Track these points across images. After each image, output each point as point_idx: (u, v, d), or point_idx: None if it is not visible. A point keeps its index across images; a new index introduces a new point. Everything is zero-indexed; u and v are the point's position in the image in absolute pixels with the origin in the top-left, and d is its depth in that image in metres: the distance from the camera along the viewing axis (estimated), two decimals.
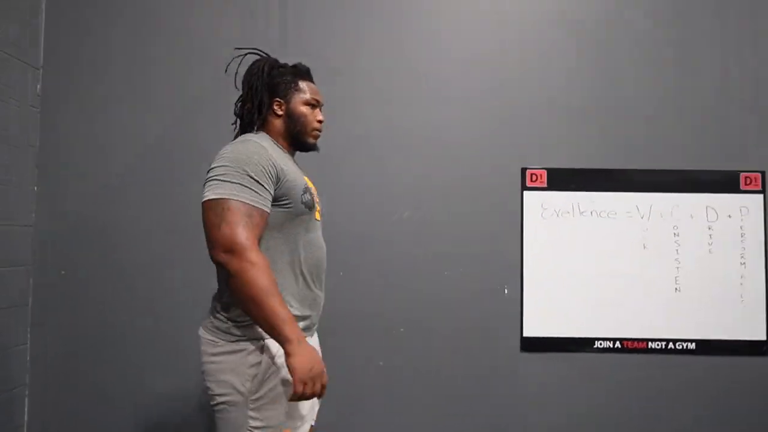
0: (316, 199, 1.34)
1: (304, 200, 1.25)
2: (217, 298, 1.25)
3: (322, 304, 1.33)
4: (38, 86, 2.00)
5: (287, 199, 1.23)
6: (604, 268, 1.96)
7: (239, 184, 1.15)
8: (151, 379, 1.96)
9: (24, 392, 1.96)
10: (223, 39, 2.01)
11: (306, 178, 1.34)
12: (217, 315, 1.22)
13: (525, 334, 1.96)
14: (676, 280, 1.96)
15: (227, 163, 1.17)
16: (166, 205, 1.99)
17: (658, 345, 1.95)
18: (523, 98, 2.01)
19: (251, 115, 1.34)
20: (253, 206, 1.15)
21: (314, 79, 1.41)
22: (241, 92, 1.38)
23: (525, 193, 1.99)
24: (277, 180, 1.21)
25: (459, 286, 1.98)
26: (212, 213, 1.14)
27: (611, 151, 2.00)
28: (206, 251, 1.15)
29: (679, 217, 1.97)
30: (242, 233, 1.12)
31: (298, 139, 1.36)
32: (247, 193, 1.15)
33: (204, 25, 2.03)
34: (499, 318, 1.97)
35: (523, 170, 2.00)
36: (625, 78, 2.02)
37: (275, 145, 1.32)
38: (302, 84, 1.37)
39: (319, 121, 1.39)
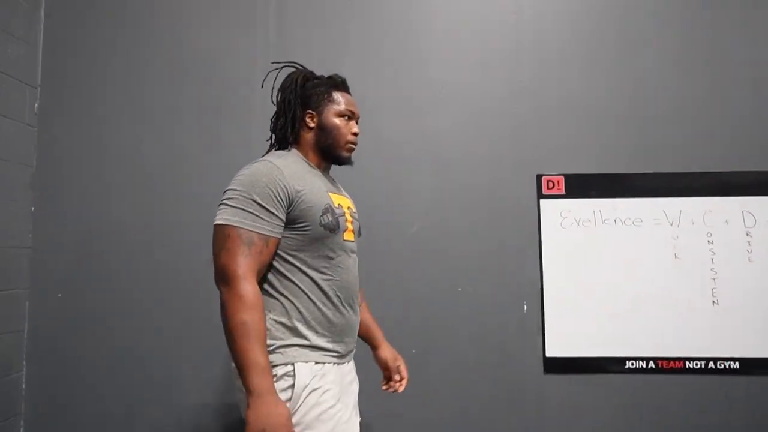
0: (348, 219, 1.27)
1: (323, 222, 1.18)
2: None
3: (356, 329, 1.26)
4: (36, 105, 1.96)
5: (304, 222, 1.17)
6: (632, 280, 1.81)
7: (243, 209, 1.11)
8: (151, 407, 1.85)
9: (19, 422, 1.87)
10: (222, 53, 1.96)
11: (336, 195, 1.27)
12: None
13: (548, 354, 1.80)
14: (713, 293, 1.79)
15: (236, 187, 1.15)
16: (168, 226, 1.91)
17: (696, 364, 1.77)
18: (538, 101, 1.90)
19: (284, 129, 1.30)
20: (256, 233, 1.11)
21: None
22: (276, 108, 1.34)
23: (542, 201, 1.86)
24: (290, 203, 1.16)
25: (474, 303, 1.84)
26: (216, 239, 1.12)
27: (633, 154, 1.86)
28: (207, 273, 1.13)
29: (712, 224, 1.81)
30: (238, 262, 1.08)
31: (330, 153, 1.29)
32: (251, 220, 1.11)
33: (201, 40, 1.97)
34: (518, 337, 1.82)
35: (539, 177, 1.87)
36: (646, 76, 1.89)
37: (301, 161, 1.27)
38: (336, 94, 1.32)
39: (354, 134, 1.32)
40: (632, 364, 1.78)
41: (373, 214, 1.87)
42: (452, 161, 1.90)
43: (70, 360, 1.88)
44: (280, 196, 1.14)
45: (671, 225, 1.82)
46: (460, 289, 1.85)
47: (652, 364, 1.78)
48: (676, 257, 1.81)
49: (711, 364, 1.76)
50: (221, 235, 1.11)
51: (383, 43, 1.95)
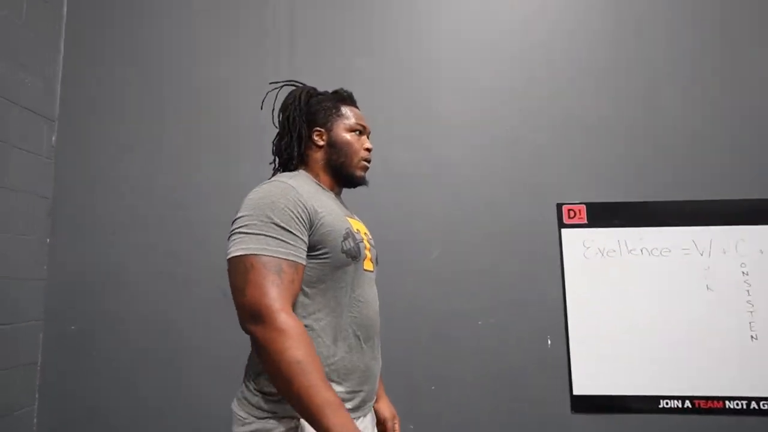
0: (367, 246, 1.13)
1: (345, 248, 1.04)
2: (249, 365, 1.05)
3: (378, 373, 1.10)
4: (53, 138, 1.98)
5: (323, 248, 1.02)
6: (663, 313, 1.71)
7: (264, 235, 0.96)
8: None
9: None
10: (234, 86, 1.97)
11: (353, 220, 1.14)
12: (248, 385, 1.02)
13: (575, 392, 1.70)
14: (750, 327, 1.68)
15: (249, 211, 1.00)
16: (184, 258, 1.89)
17: (736, 404, 1.65)
18: (556, 128, 1.85)
19: (290, 149, 1.18)
20: (284, 259, 0.96)
21: None
22: (278, 129, 1.23)
23: (563, 230, 1.79)
24: (311, 224, 1.02)
25: (496, 337, 1.76)
26: (236, 273, 0.96)
27: (658, 182, 1.79)
28: (225, 307, 1.01)
29: (746, 253, 1.72)
30: (270, 295, 0.92)
31: (343, 172, 1.17)
32: (275, 245, 0.96)
33: (214, 74, 1.99)
34: (543, 374, 1.73)
35: (559, 206, 1.81)
36: (671, 100, 1.84)
37: (313, 182, 1.14)
38: (345, 109, 1.22)
39: (367, 149, 1.21)
40: (667, 403, 1.67)
41: (389, 244, 1.82)
42: (469, 190, 1.85)
43: (82, 394, 1.83)
44: (300, 215, 1.00)
45: (702, 255, 1.74)
46: (480, 323, 1.77)
47: (688, 403, 1.66)
48: (708, 288, 1.72)
49: (753, 404, 1.64)
50: (242, 268, 0.95)
51: (395, 72, 1.94)
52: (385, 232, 1.82)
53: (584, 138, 1.84)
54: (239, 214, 1.02)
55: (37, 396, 1.86)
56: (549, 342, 1.74)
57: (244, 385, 1.03)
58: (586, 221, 1.79)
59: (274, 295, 0.92)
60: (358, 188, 1.21)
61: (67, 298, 1.90)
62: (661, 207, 1.77)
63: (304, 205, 1.02)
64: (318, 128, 1.19)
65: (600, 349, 1.71)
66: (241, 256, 0.95)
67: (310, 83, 1.91)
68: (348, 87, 1.92)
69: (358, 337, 1.04)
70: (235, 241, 0.98)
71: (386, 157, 1.85)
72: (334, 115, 1.20)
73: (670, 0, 1.89)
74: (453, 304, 1.79)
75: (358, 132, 1.21)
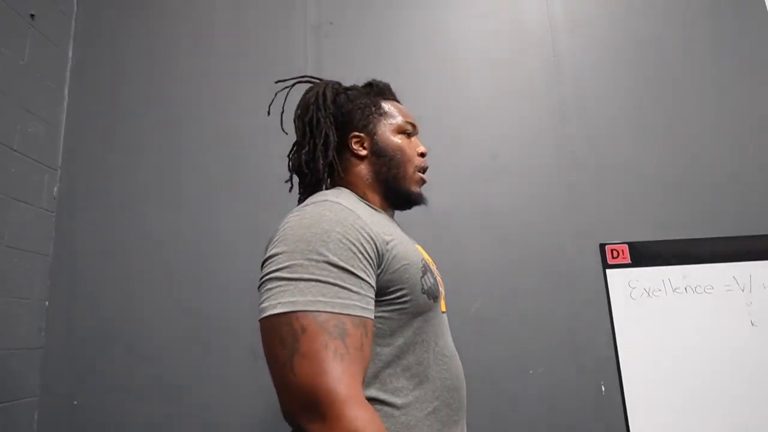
0: (439, 281, 0.87)
1: (425, 287, 0.78)
2: None
3: None
4: (55, 188, 1.80)
5: (400, 289, 0.75)
6: (711, 352, 1.69)
7: (316, 280, 0.67)
8: None
9: None
10: (252, 130, 1.86)
11: (420, 248, 0.90)
12: None
13: None
14: None
15: (292, 246, 0.70)
16: (196, 321, 1.72)
17: None
18: (593, 167, 1.85)
19: (315, 162, 0.89)
20: (348, 315, 0.67)
21: None
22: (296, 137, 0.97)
23: (608, 271, 1.77)
24: (380, 260, 0.74)
25: (547, 386, 1.68)
26: (276, 339, 0.67)
27: (695, 219, 1.81)
28: (258, 371, 0.68)
29: None
30: (332, 374, 0.64)
31: (396, 189, 0.90)
32: (334, 295, 0.67)
33: (231, 118, 1.88)
34: (599, 423, 1.66)
35: (602, 246, 1.79)
36: (707, 139, 1.88)
37: (363, 202, 0.86)
38: (386, 105, 0.96)
39: (422, 155, 0.96)
40: None
41: None
42: (509, 234, 1.81)
43: None
44: (367, 251, 0.72)
45: (743, 291, 1.74)
46: (531, 372, 1.70)
47: None
48: (752, 324, 1.72)
49: None
50: (287, 332, 0.66)
51: (426, 113, 1.90)
52: None
53: (619, 180, 1.84)
54: (275, 251, 0.72)
55: None
56: (603, 389, 1.68)
57: None
58: (629, 261, 1.77)
59: (338, 375, 0.63)
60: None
61: (66, 370, 1.69)
62: (701, 244, 1.78)
63: (369, 234, 0.73)
64: (356, 133, 0.92)
65: (654, 393, 1.67)
66: (283, 314, 0.66)
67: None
68: None
69: (450, 406, 0.78)
70: (273, 292, 0.68)
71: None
72: (375, 114, 0.94)
73: (696, 42, 1.96)
74: (501, 352, 1.71)
75: (407, 133, 0.95)
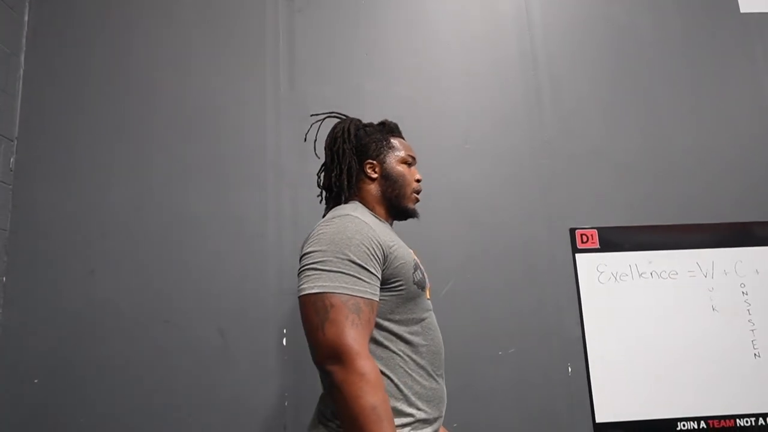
0: (426, 276, 1.16)
1: (416, 279, 1.07)
2: (326, 402, 1.04)
3: (445, 400, 1.12)
4: (12, 159, 1.71)
5: (398, 281, 1.04)
6: (675, 335, 1.75)
7: (341, 272, 0.97)
8: None
9: None
10: (229, 107, 1.81)
11: (412, 252, 1.16)
12: (329, 424, 1.01)
13: (598, 420, 1.68)
14: (753, 345, 1.75)
15: (324, 247, 0.99)
16: (160, 299, 1.67)
17: (746, 422, 1.70)
18: (566, 153, 1.86)
19: (341, 182, 1.18)
20: (362, 298, 0.96)
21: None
22: (326, 161, 1.23)
23: (577, 255, 1.79)
24: (384, 260, 1.03)
25: (516, 367, 1.71)
26: (312, 311, 0.95)
27: (662, 206, 1.85)
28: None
29: (744, 274, 1.81)
30: (350, 335, 0.92)
31: (396, 205, 1.20)
32: (353, 283, 0.97)
33: (206, 93, 1.82)
34: (565, 403, 1.69)
35: (572, 231, 1.81)
36: (674, 129, 1.91)
37: (373, 215, 1.16)
38: (394, 141, 1.25)
39: (418, 180, 1.25)
40: (684, 425, 1.69)
41: None
42: (481, 216, 1.81)
43: None
44: (375, 253, 1.01)
45: (705, 277, 1.80)
46: (500, 353, 1.72)
47: (703, 424, 1.70)
48: (713, 309, 1.78)
49: (761, 421, 1.70)
50: (321, 306, 0.94)
51: (400, 93, 1.88)
52: None
53: (595, 165, 1.86)
54: (312, 249, 1.01)
55: None
56: (570, 369, 1.72)
57: (320, 423, 1.02)
58: (598, 246, 1.80)
59: (355, 336, 0.92)
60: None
61: (25, 350, 1.62)
62: (667, 231, 1.82)
63: (378, 241, 1.03)
64: (370, 161, 1.21)
65: (618, 374, 1.71)
66: (318, 293, 0.95)
67: (312, 104, 1.82)
68: (355, 108, 1.84)
69: (432, 363, 1.07)
70: (311, 278, 0.97)
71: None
72: (385, 148, 1.22)
73: (670, 33, 1.98)
74: (472, 333, 1.72)
75: (408, 164, 1.24)
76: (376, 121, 1.84)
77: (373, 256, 1.00)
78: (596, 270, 1.78)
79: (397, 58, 1.90)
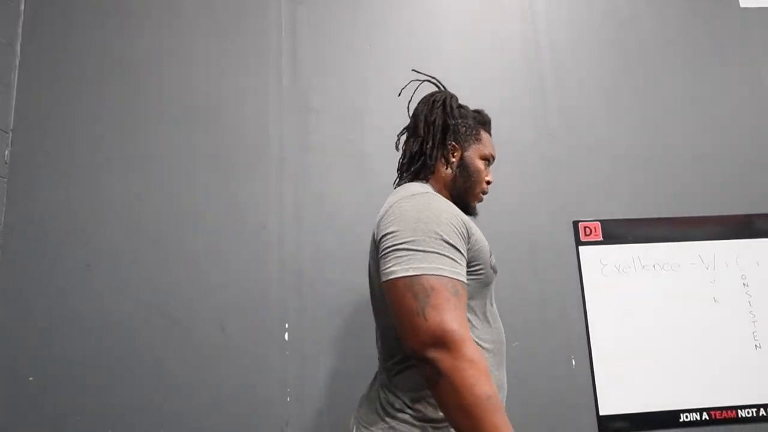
0: None
1: (492, 264, 1.02)
2: (391, 392, 0.95)
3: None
4: (7, 152, 1.67)
5: (478, 264, 0.98)
6: (677, 327, 1.75)
7: (436, 252, 0.89)
8: None
9: None
10: (230, 100, 1.78)
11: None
12: (398, 415, 0.92)
13: (602, 413, 1.68)
14: (754, 336, 1.76)
15: (412, 225, 0.91)
16: (162, 289, 1.65)
17: (748, 413, 1.71)
18: (569, 145, 1.86)
19: (431, 154, 1.10)
20: (457, 280, 0.89)
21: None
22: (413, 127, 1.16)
23: (580, 248, 1.79)
24: (468, 240, 0.96)
25: (518, 360, 1.70)
26: (409, 295, 0.86)
27: (668, 199, 1.85)
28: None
29: (745, 265, 1.81)
30: (456, 320, 0.85)
31: (463, 198, 1.13)
32: (449, 265, 0.89)
33: (208, 86, 1.79)
34: (569, 395, 1.69)
35: (576, 223, 1.81)
36: (676, 122, 1.91)
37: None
38: (483, 134, 1.18)
39: (488, 182, 1.19)
40: (686, 416, 1.69)
41: None
42: (484, 208, 1.80)
43: None
44: (462, 232, 0.95)
45: (707, 269, 1.80)
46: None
47: (705, 415, 1.70)
48: (715, 301, 1.78)
49: (762, 411, 1.71)
50: (420, 290, 0.86)
51: (401, 84, 1.86)
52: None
53: (594, 158, 1.86)
54: (397, 227, 0.92)
55: None
56: (573, 362, 1.71)
57: (384, 416, 0.94)
58: (601, 238, 1.80)
59: (460, 321, 0.85)
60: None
61: (21, 345, 1.59)
62: (669, 223, 1.83)
63: (462, 220, 0.96)
64: (455, 144, 1.13)
65: (621, 366, 1.71)
66: (415, 276, 0.87)
67: (315, 97, 1.80)
68: (358, 100, 1.83)
69: (501, 353, 1.04)
70: (403, 259, 0.88)
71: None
72: (473, 137, 1.16)
73: (671, 25, 1.98)
74: None
75: (487, 162, 1.18)
76: (380, 118, 1.83)
77: (460, 235, 0.93)
78: (599, 262, 1.78)
79: (400, 49, 1.89)
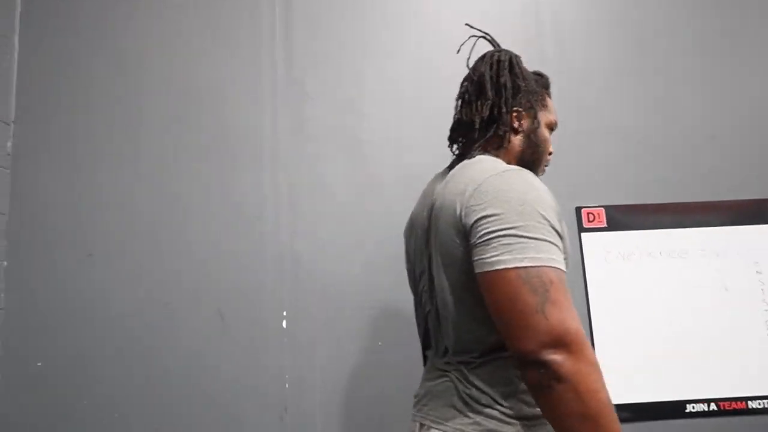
0: None
1: (569, 252, 0.90)
2: (475, 386, 0.86)
3: None
4: (9, 144, 1.70)
5: (564, 255, 0.85)
6: (685, 316, 1.69)
7: (547, 241, 0.79)
8: None
9: None
10: (224, 89, 1.77)
11: None
12: (487, 410, 0.84)
13: None
14: (767, 325, 1.69)
15: (517, 209, 0.80)
16: (162, 278, 1.66)
17: (759, 404, 1.65)
18: (572, 129, 1.80)
19: (502, 119, 0.97)
20: (564, 272, 0.80)
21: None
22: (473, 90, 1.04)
23: (583, 234, 1.74)
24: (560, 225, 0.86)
25: None
26: (525, 288, 0.76)
27: (672, 183, 1.78)
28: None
29: (757, 252, 1.74)
30: (574, 319, 0.77)
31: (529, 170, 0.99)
32: (558, 255, 0.80)
33: (201, 75, 1.78)
34: None
35: (578, 209, 1.76)
36: (686, 103, 1.83)
37: None
38: (548, 101, 1.07)
39: (550, 153, 1.08)
40: (693, 407, 1.65)
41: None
42: None
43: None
44: (560, 217, 0.85)
45: (717, 256, 1.74)
46: None
47: (713, 406, 1.65)
48: (726, 290, 1.72)
49: None
50: (538, 284, 0.76)
51: (401, 73, 1.82)
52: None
53: (601, 140, 1.80)
54: (499, 210, 0.80)
55: None
56: None
57: (472, 412, 0.84)
58: (605, 225, 1.74)
59: (576, 319, 0.77)
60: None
61: (28, 331, 1.63)
62: (676, 209, 1.76)
63: (556, 202, 0.86)
64: (519, 109, 0.99)
65: (626, 355, 1.67)
66: (532, 267, 0.76)
67: (310, 85, 1.78)
68: (355, 88, 1.80)
69: None
70: (515, 247, 0.77)
71: (401, 162, 1.73)
72: (540, 103, 1.03)
73: (686, 3, 1.89)
74: None
75: (551, 130, 1.08)
76: (375, 106, 1.80)
77: (559, 221, 0.83)
78: (603, 250, 1.73)
79: (396, 35, 1.84)
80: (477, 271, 0.82)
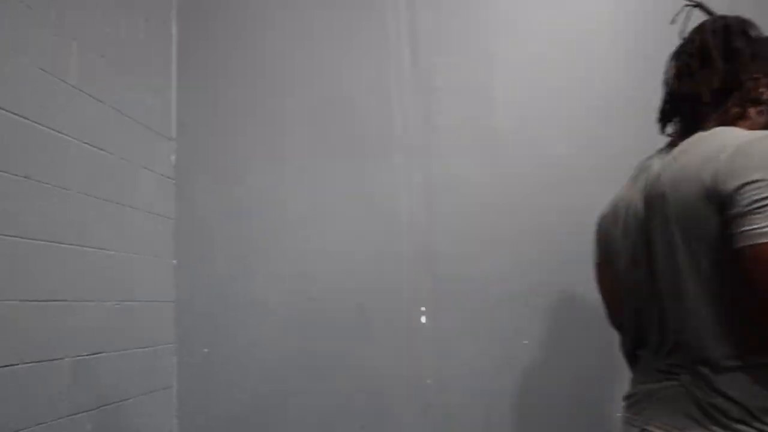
0: None
1: None
2: (740, 391, 0.75)
3: None
4: (172, 157, 1.92)
5: None
6: None
7: None
8: None
9: None
10: (357, 91, 1.81)
11: None
12: (737, 425, 0.73)
13: None
14: None
15: None
16: (304, 276, 1.78)
17: None
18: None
19: (726, 95, 0.87)
20: None
21: None
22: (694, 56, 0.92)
23: None
24: None
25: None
26: None
27: None
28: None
29: None
30: None
31: None
32: None
33: (335, 80, 1.83)
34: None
35: None
36: None
37: None
38: None
39: None
40: None
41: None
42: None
43: (220, 418, 1.76)
44: None
45: None
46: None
47: None
48: None
49: None
50: None
51: (532, 53, 1.71)
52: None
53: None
54: (763, 176, 0.71)
55: (175, 421, 1.80)
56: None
57: (716, 425, 0.74)
58: None
59: None
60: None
61: (196, 321, 1.83)
62: None
63: None
64: (758, 75, 0.86)
65: None
66: None
67: (436, 79, 1.74)
68: (483, 74, 1.73)
69: None
70: None
71: (540, 153, 1.66)
72: None
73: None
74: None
75: None
76: (505, 90, 1.71)
77: None
78: None
79: (527, 16, 1.74)
80: (740, 244, 0.71)
